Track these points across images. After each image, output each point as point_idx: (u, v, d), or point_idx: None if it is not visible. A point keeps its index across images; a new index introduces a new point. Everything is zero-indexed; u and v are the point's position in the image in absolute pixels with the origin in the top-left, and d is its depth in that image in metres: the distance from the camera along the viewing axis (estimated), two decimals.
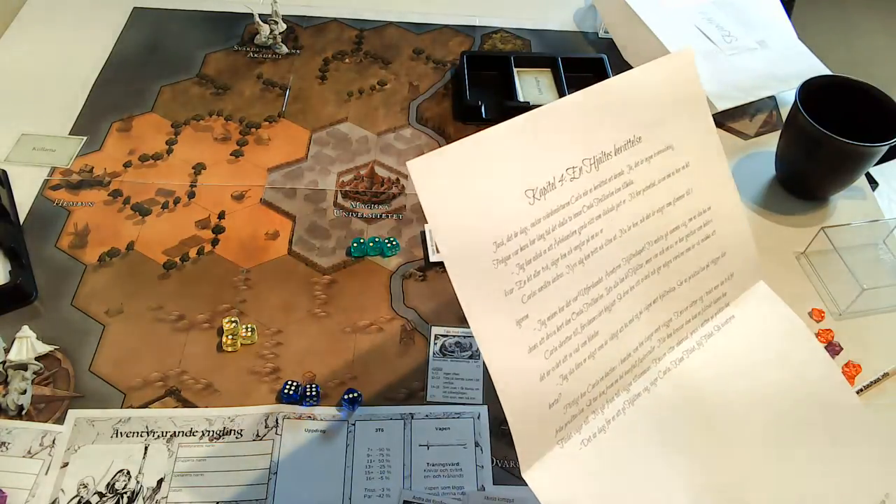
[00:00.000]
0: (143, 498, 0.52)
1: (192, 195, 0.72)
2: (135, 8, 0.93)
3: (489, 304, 0.38)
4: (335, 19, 0.94)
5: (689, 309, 0.48)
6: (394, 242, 0.69)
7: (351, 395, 0.58)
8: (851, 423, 0.50)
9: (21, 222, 0.69)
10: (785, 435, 0.48)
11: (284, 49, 0.88)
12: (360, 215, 0.72)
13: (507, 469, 0.56)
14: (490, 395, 0.59)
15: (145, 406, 0.57)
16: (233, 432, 0.56)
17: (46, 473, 0.53)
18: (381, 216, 0.72)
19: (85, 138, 0.77)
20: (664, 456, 0.44)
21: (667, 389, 0.46)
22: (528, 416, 0.40)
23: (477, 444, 0.57)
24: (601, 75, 0.86)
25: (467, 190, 0.38)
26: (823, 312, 0.67)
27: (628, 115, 0.44)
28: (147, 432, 0.56)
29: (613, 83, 0.44)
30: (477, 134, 0.38)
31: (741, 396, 0.48)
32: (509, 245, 0.39)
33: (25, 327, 0.60)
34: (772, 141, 0.79)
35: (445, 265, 0.37)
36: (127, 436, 0.55)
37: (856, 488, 0.48)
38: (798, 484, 0.47)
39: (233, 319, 0.62)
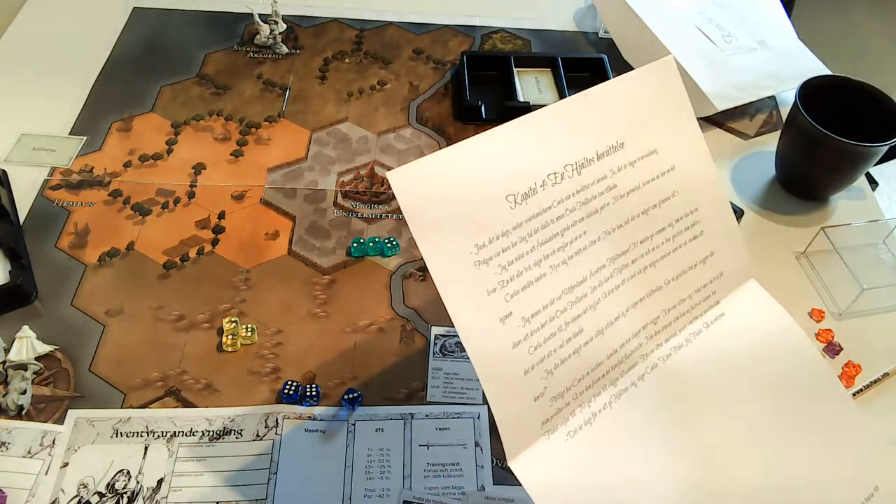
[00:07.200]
0: (143, 498, 0.52)
1: (192, 195, 0.72)
2: (135, 8, 0.93)
3: (472, 304, 0.39)
4: (335, 19, 0.94)
5: (677, 307, 0.48)
6: (394, 242, 0.69)
7: (351, 395, 0.58)
8: (841, 417, 0.50)
9: (21, 222, 0.69)
10: (773, 428, 0.48)
11: (284, 49, 0.88)
12: (360, 215, 0.72)
13: (507, 469, 0.56)
14: None
15: (145, 406, 0.57)
16: (233, 432, 0.56)
17: (46, 473, 0.53)
18: (381, 216, 0.72)
19: (85, 138, 0.77)
20: (650, 447, 0.45)
21: (654, 384, 0.46)
22: (514, 409, 0.41)
23: (477, 444, 0.57)
24: (601, 75, 0.86)
25: (447, 197, 0.39)
26: (823, 312, 0.67)
27: (610, 122, 0.45)
28: (147, 432, 0.56)
29: (595, 92, 0.45)
30: (457, 143, 0.39)
31: (729, 391, 0.48)
32: (491, 247, 0.40)
33: (25, 327, 0.60)
34: (772, 141, 0.79)
35: (428, 268, 0.38)
36: (127, 436, 0.56)
37: (845, 479, 0.49)
38: (786, 473, 0.47)
39: (233, 319, 0.62)
